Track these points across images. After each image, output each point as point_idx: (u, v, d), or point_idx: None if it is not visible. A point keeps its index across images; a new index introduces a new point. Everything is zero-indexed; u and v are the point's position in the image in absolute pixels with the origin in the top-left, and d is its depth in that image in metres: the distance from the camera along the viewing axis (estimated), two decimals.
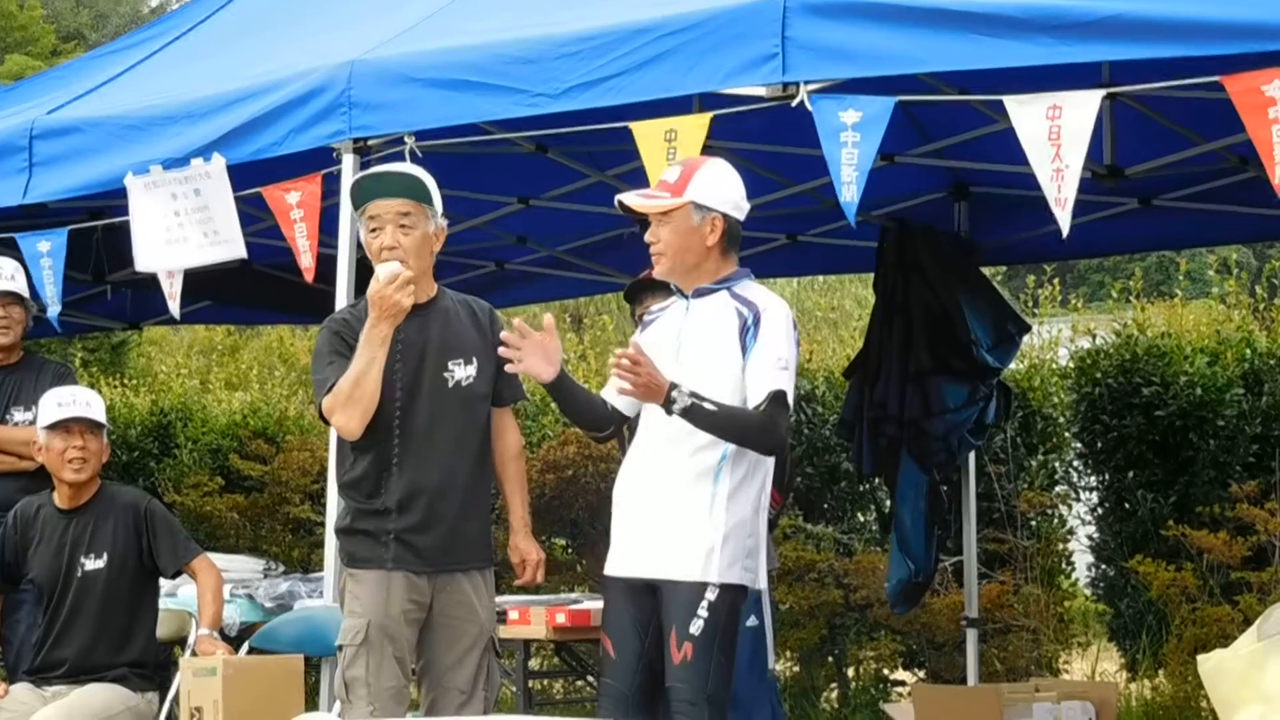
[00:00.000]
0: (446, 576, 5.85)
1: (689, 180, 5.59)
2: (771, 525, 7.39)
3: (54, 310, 7.76)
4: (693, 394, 5.38)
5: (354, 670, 5.75)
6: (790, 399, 5.53)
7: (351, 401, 5.65)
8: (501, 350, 5.59)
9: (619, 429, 5.94)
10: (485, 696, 5.92)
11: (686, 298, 5.68)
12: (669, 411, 5.39)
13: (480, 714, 5.83)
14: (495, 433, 6.01)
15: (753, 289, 5.66)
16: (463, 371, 5.86)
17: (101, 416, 7.08)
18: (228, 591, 8.11)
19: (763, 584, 5.72)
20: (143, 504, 7.12)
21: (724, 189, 5.62)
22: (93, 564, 6.99)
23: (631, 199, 5.66)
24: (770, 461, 5.67)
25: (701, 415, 5.40)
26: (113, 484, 7.36)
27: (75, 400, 7.09)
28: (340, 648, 5.83)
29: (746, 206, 5.69)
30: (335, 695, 5.94)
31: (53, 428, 6.99)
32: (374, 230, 5.78)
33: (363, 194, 5.82)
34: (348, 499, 5.89)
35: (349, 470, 5.87)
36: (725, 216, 5.60)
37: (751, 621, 7.03)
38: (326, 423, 5.85)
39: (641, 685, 5.61)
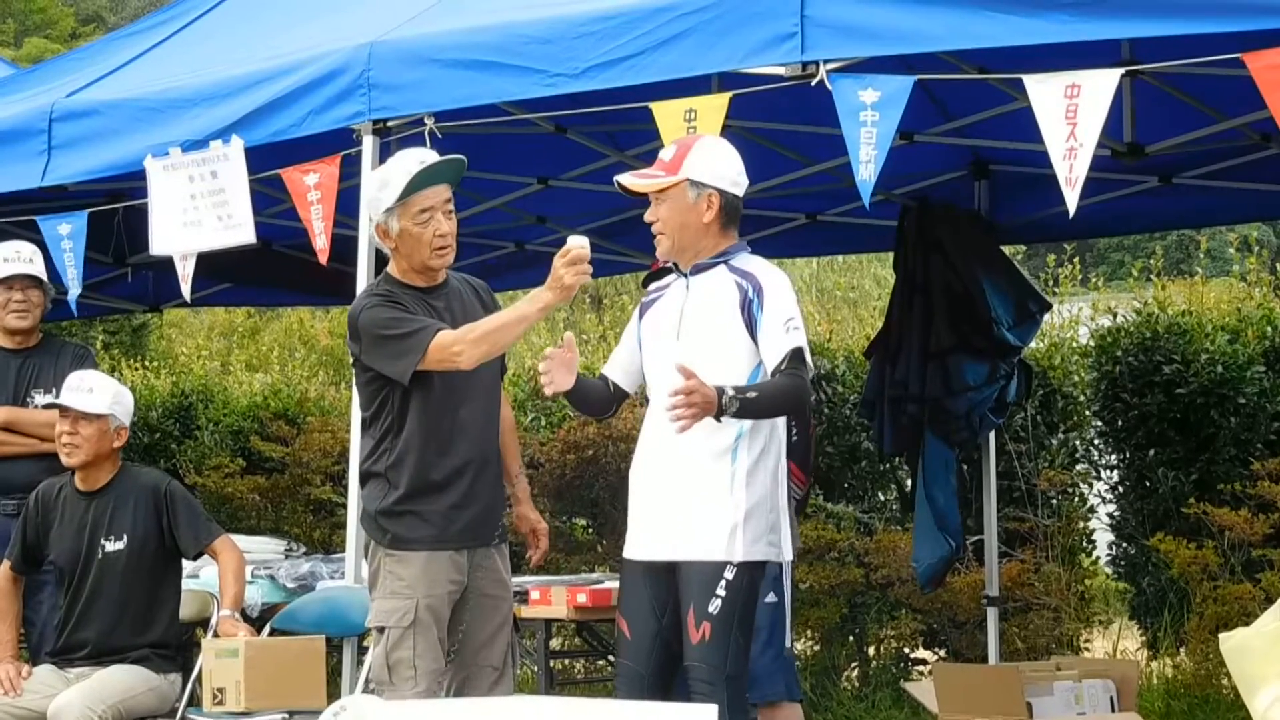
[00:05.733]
0: (483, 551, 5.92)
1: (684, 158, 5.63)
2: (799, 506, 7.41)
3: (74, 293, 7.77)
4: (735, 391, 5.37)
5: (400, 652, 5.77)
6: (807, 354, 5.56)
7: (484, 340, 5.69)
8: (545, 382, 5.64)
9: (620, 405, 6.01)
10: (514, 674, 5.96)
11: (685, 275, 5.70)
12: (720, 418, 5.39)
13: (510, 691, 5.86)
14: None
15: (750, 261, 5.69)
16: None
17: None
18: (249, 572, 8.13)
19: (788, 555, 5.71)
20: (163, 485, 7.14)
21: (719, 165, 5.65)
22: (113, 545, 7.01)
23: (628, 179, 5.72)
24: (782, 431, 5.68)
25: (749, 407, 5.41)
26: (133, 465, 7.38)
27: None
28: (381, 630, 5.83)
29: (744, 182, 5.71)
30: (372, 678, 5.93)
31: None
32: (424, 220, 5.84)
33: (415, 185, 5.84)
34: (389, 481, 5.89)
35: (388, 453, 5.89)
36: (721, 193, 5.62)
37: (770, 598, 7.04)
38: (406, 381, 5.76)
39: (658, 665, 5.62)
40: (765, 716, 7.18)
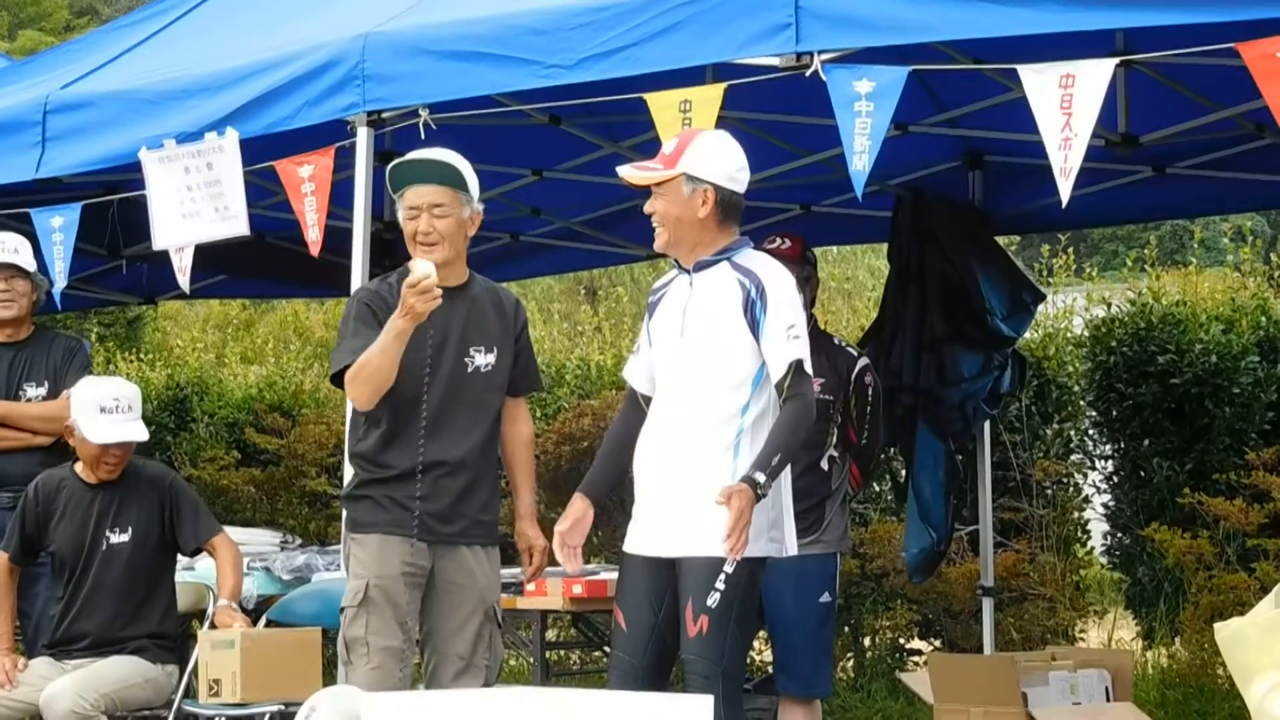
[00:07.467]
0: (447, 547, 5.95)
1: (682, 152, 5.62)
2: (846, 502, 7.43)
3: (60, 286, 7.73)
4: (764, 475, 5.39)
5: (353, 630, 5.86)
6: (807, 364, 5.55)
7: (360, 380, 5.80)
8: (565, 559, 5.73)
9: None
10: (487, 666, 5.98)
11: (688, 272, 5.70)
12: (759, 501, 5.42)
13: (480, 681, 5.89)
14: (508, 419, 6.15)
15: (753, 258, 5.68)
16: (483, 359, 5.99)
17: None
18: (244, 564, 8.13)
19: (791, 550, 5.71)
20: (168, 479, 7.18)
21: (717, 160, 5.63)
22: (118, 538, 7.03)
23: (627, 171, 5.73)
24: None
25: (780, 469, 5.47)
26: (138, 459, 7.36)
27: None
28: (342, 610, 5.91)
29: (743, 178, 5.68)
30: (339, 658, 5.98)
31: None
32: (411, 216, 5.91)
33: (401, 178, 5.93)
34: (356, 466, 6.03)
35: (360, 439, 6.01)
36: (718, 188, 5.60)
37: (825, 598, 7.10)
38: (339, 386, 5.98)
39: (652, 657, 5.63)
40: (789, 709, 7.19)
